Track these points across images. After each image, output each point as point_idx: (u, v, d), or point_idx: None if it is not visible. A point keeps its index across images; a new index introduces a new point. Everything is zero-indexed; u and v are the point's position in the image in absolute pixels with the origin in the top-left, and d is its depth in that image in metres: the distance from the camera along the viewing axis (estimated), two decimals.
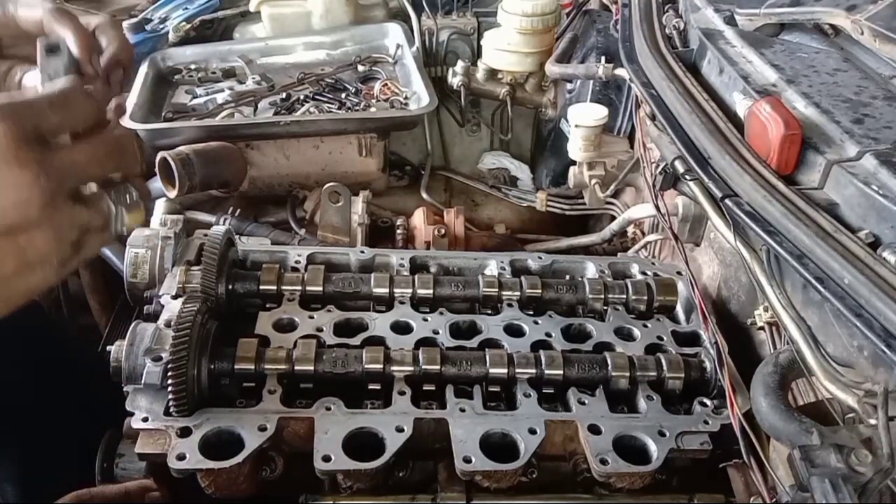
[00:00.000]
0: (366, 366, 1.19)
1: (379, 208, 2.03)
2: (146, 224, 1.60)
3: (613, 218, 1.94)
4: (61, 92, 0.79)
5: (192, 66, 2.25)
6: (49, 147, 0.75)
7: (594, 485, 1.16)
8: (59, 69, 0.92)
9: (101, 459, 1.37)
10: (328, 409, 1.13)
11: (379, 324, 1.31)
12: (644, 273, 1.48)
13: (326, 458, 1.05)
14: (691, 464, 1.16)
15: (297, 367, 1.18)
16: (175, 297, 1.29)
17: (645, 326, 1.35)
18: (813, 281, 0.96)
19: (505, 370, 1.21)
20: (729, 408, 1.11)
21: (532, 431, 1.11)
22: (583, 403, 1.18)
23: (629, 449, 1.11)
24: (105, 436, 1.39)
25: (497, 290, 1.39)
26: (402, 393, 1.17)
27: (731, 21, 1.51)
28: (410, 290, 1.37)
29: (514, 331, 1.32)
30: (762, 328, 1.21)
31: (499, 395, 1.23)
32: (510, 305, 1.38)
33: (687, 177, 1.26)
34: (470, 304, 1.42)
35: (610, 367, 1.22)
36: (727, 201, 1.13)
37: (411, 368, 1.20)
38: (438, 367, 1.20)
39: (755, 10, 1.48)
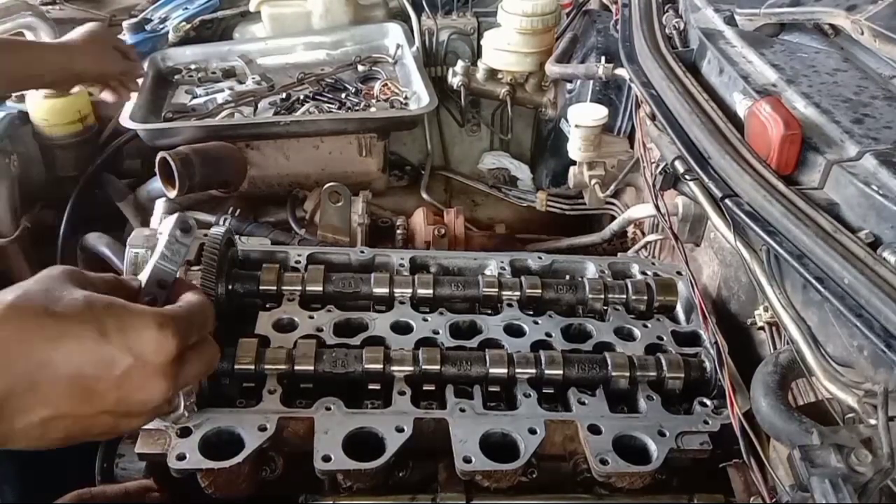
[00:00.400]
0: (366, 366, 1.19)
1: (379, 208, 2.03)
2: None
3: (613, 218, 1.94)
4: (203, 309, 0.87)
5: (192, 66, 2.26)
6: (184, 358, 0.83)
7: (594, 485, 1.16)
8: (181, 252, 0.92)
9: (101, 459, 1.37)
10: (328, 409, 1.13)
11: (379, 324, 1.31)
12: (644, 273, 1.48)
13: (326, 458, 1.05)
14: (691, 464, 1.15)
15: (297, 367, 1.18)
16: None
17: (645, 326, 1.35)
18: (813, 281, 0.96)
19: (505, 370, 1.21)
20: (729, 408, 1.10)
21: (532, 431, 1.11)
22: (583, 403, 1.18)
23: (629, 449, 1.11)
24: None
25: (497, 290, 1.39)
26: (402, 393, 1.17)
27: (731, 21, 1.51)
28: (410, 290, 1.37)
29: (514, 331, 1.32)
30: (762, 328, 1.21)
31: (499, 395, 1.23)
32: (510, 305, 1.38)
33: (687, 177, 1.26)
34: (470, 304, 1.42)
35: (610, 367, 1.22)
36: (727, 201, 1.13)
37: (411, 368, 1.20)
38: (438, 367, 1.20)
39: (755, 10, 1.48)
